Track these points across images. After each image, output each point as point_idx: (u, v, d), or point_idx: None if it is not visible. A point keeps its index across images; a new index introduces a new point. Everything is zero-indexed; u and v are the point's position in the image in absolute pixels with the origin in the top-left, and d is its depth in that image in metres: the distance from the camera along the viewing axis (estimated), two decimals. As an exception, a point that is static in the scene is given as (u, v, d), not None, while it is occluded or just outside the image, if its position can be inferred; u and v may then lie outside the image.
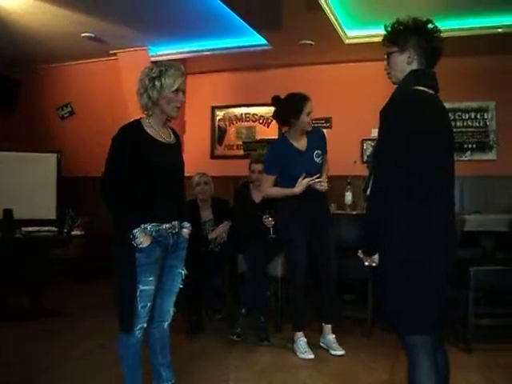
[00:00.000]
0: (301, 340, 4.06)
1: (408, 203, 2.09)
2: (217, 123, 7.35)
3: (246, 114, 7.21)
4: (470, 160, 6.11)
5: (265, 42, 5.94)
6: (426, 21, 2.23)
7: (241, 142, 7.23)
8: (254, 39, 5.97)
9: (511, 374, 3.58)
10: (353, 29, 5.71)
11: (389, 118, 2.14)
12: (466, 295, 4.02)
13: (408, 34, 2.23)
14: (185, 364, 3.68)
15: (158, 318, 2.90)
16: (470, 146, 6.18)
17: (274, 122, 6.95)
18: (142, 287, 2.67)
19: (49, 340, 4.33)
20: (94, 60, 7.11)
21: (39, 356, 3.90)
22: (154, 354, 2.95)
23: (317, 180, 3.99)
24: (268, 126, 7.07)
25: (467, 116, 6.21)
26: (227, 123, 7.31)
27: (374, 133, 5.91)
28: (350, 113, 6.30)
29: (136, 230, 2.63)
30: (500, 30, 5.31)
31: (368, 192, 2.23)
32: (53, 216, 6.02)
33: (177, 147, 2.96)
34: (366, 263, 2.30)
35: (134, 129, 2.76)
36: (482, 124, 6.17)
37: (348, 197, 5.70)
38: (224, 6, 4.86)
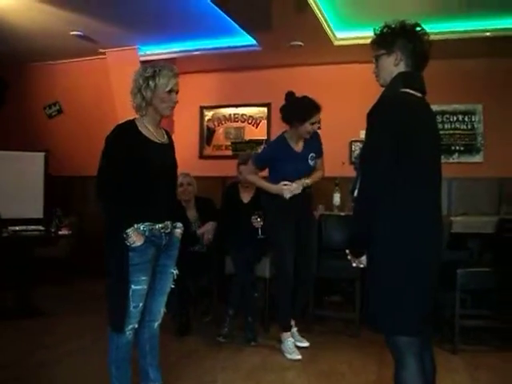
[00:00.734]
0: (288, 341, 4.06)
1: (394, 204, 2.10)
2: (205, 123, 7.34)
3: (234, 114, 7.20)
4: (457, 162, 6.15)
5: (254, 42, 5.94)
6: (414, 24, 2.25)
7: (229, 143, 7.23)
8: (243, 40, 5.97)
9: (497, 374, 3.61)
10: (342, 30, 5.73)
11: (375, 120, 2.15)
12: (453, 297, 4.04)
13: (395, 36, 2.25)
14: (172, 365, 3.68)
15: (148, 317, 2.89)
16: (457, 148, 6.22)
17: (262, 122, 7.00)
18: (134, 287, 2.67)
19: (36, 339, 4.31)
20: (83, 59, 7.07)
21: (26, 355, 3.88)
22: (142, 354, 2.94)
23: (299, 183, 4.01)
24: (257, 127, 7.07)
25: (455, 118, 6.25)
26: (216, 123, 7.30)
27: (363, 134, 5.89)
28: (339, 114, 6.32)
29: (129, 230, 2.63)
30: (488, 33, 5.35)
31: (355, 194, 2.24)
32: (40, 215, 5.99)
33: (170, 148, 2.96)
34: (354, 264, 2.30)
35: (128, 129, 2.76)
36: (469, 126, 6.21)
37: (336, 198, 5.72)
38: (214, 6, 4.86)
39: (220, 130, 7.29)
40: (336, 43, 5.86)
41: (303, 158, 4.09)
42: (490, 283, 4.13)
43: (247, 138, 7.14)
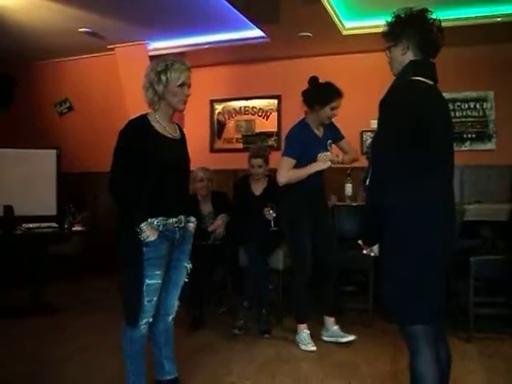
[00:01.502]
0: (304, 332, 4.06)
1: (407, 193, 2.09)
2: (216, 117, 7.35)
3: (244, 107, 7.20)
4: (469, 150, 6.11)
5: (263, 34, 5.92)
6: (421, 11, 2.23)
7: (240, 136, 7.23)
8: (252, 32, 5.95)
9: (511, 362, 3.60)
10: (350, 20, 5.71)
11: (387, 108, 2.14)
12: (467, 285, 4.03)
13: (402, 26, 2.24)
14: (187, 357, 3.70)
15: (163, 311, 2.92)
16: (469, 135, 6.18)
17: (272, 114, 6.99)
18: (148, 281, 2.69)
19: (48, 336, 4.35)
20: (92, 55, 7.09)
21: (39, 351, 3.93)
22: (157, 348, 2.97)
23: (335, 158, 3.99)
24: (267, 119, 7.07)
25: (466, 106, 6.20)
26: (226, 117, 7.30)
27: (374, 124, 5.91)
28: (349, 104, 6.21)
29: (143, 225, 2.64)
30: (499, 19, 5.30)
31: (367, 182, 2.23)
32: (53, 212, 6.03)
33: (183, 142, 2.97)
34: (365, 251, 2.30)
35: (140, 123, 2.77)
36: (481, 114, 6.17)
37: (348, 188, 5.70)
38: (222, -1, 4.86)
39: (230, 123, 7.29)
40: (344, 33, 5.84)
41: (324, 143, 4.09)
42: (504, 271, 4.10)
43: (258, 130, 7.14)
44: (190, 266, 2.97)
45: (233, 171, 6.65)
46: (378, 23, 5.44)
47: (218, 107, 7.34)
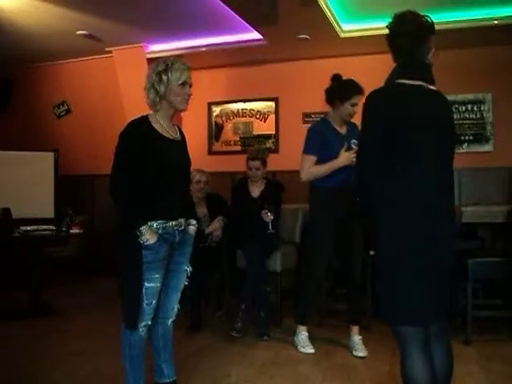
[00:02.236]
0: (302, 334, 4.06)
1: (386, 193, 2.13)
2: (214, 119, 7.35)
3: (242, 109, 7.20)
4: (467, 152, 6.11)
5: (261, 37, 5.93)
6: (393, 18, 2.27)
7: (238, 138, 7.23)
8: (249, 34, 5.96)
9: (510, 364, 3.60)
10: (348, 23, 5.71)
11: (363, 111, 2.22)
12: (465, 287, 4.03)
13: (387, 37, 2.29)
14: (186, 360, 3.70)
15: (162, 314, 2.91)
16: (466, 137, 6.18)
17: (270, 117, 6.99)
18: (147, 284, 2.68)
19: (47, 338, 4.34)
20: (90, 58, 7.09)
21: (40, 354, 3.92)
22: (156, 351, 2.96)
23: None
24: (265, 121, 7.07)
25: (464, 108, 6.21)
26: (224, 119, 7.30)
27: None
28: (347, 107, 6.29)
29: (143, 228, 2.64)
30: (496, 21, 5.31)
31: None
32: (51, 215, 6.04)
33: (183, 144, 2.97)
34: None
35: (141, 124, 2.77)
36: (478, 116, 6.18)
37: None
38: (219, 1, 4.84)
39: (228, 126, 7.29)
40: (342, 35, 5.84)
41: (348, 140, 3.94)
42: (502, 273, 4.11)
43: (255, 132, 7.13)
44: (190, 269, 2.97)
45: (231, 173, 6.65)
46: (375, 26, 5.45)
47: (216, 109, 7.34)
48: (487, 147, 6.13)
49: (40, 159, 6.30)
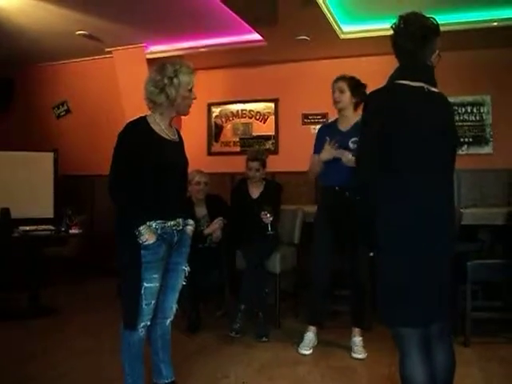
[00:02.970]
0: (307, 334, 4.06)
1: (382, 194, 2.13)
2: (213, 120, 7.35)
3: (242, 110, 7.20)
4: (466, 154, 6.11)
5: (260, 38, 5.93)
6: (398, 19, 2.26)
7: (237, 139, 7.23)
8: (249, 35, 5.96)
9: (510, 366, 3.61)
10: (348, 24, 5.71)
11: (362, 112, 2.25)
12: (464, 289, 4.03)
13: (391, 38, 2.29)
14: (184, 361, 3.69)
15: (160, 314, 2.91)
16: (466, 139, 6.18)
17: (270, 118, 7.00)
18: (146, 284, 2.69)
19: (46, 338, 4.34)
20: (90, 58, 7.09)
21: (39, 354, 3.91)
22: (155, 351, 2.96)
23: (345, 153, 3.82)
24: (264, 123, 7.06)
25: (463, 110, 6.21)
26: (223, 120, 7.30)
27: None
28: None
29: (142, 228, 2.64)
30: (495, 23, 5.31)
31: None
32: (50, 215, 6.03)
33: (181, 145, 2.98)
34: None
35: (140, 125, 2.78)
36: (478, 118, 6.18)
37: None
38: (219, 2, 4.85)
39: (228, 127, 7.29)
40: (342, 37, 5.83)
41: (346, 136, 3.93)
42: (501, 275, 4.11)
43: (255, 133, 7.13)
44: (187, 268, 2.98)
45: (230, 174, 6.65)
46: (375, 27, 5.46)
47: (216, 110, 7.34)
48: (487, 149, 6.12)
49: (40, 159, 6.29)
